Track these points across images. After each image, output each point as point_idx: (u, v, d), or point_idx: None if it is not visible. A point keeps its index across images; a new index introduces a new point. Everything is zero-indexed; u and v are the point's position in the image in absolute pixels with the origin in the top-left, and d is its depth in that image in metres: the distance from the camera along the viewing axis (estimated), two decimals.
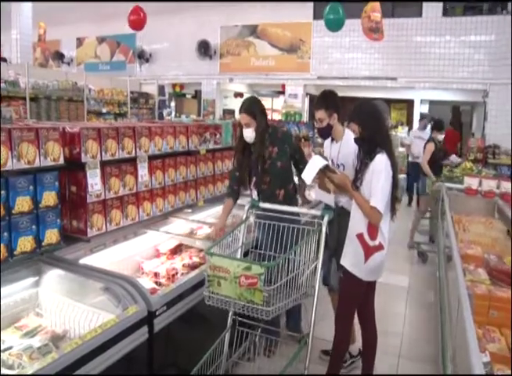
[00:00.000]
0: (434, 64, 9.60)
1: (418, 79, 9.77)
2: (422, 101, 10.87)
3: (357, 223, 2.52)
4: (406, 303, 4.42)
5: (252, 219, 2.68)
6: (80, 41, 14.29)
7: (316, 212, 2.45)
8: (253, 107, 3.02)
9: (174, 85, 13.47)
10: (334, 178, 2.59)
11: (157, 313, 2.18)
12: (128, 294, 2.11)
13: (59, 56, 14.23)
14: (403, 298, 4.55)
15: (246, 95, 14.12)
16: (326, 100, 2.93)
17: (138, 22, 7.97)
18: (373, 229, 2.47)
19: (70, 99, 8.63)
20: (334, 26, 7.85)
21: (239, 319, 2.41)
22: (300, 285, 2.17)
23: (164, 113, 11.72)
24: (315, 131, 8.92)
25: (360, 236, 2.49)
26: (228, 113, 12.20)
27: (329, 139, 3.05)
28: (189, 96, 15.39)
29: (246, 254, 2.65)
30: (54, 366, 1.66)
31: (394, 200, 2.52)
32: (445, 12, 9.50)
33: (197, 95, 14.24)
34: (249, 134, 3.01)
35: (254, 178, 3.19)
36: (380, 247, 2.49)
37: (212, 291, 1.99)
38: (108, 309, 2.15)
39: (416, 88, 10.18)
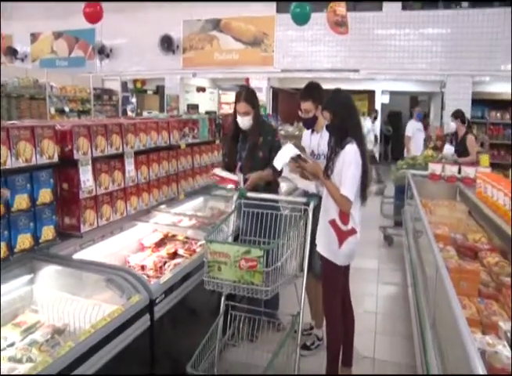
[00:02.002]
0: (394, 56, 9.95)
1: (379, 71, 10.10)
2: (383, 92, 11.23)
3: (329, 210, 2.66)
4: (377, 284, 4.70)
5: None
6: (34, 37, 13.79)
7: (302, 199, 2.64)
8: (251, 97, 3.25)
9: (135, 81, 13.33)
10: (306, 167, 2.74)
11: (157, 301, 2.30)
12: (130, 284, 2.22)
13: (12, 52, 13.75)
14: (374, 279, 4.82)
15: (208, 90, 14.15)
16: (313, 92, 3.06)
17: (94, 15, 7.67)
18: (344, 215, 2.61)
19: (32, 97, 8.47)
20: (301, 20, 8.03)
21: (231, 303, 2.58)
22: (290, 267, 2.35)
23: (128, 109, 11.63)
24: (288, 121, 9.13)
25: (333, 222, 2.64)
26: (192, 108, 12.21)
27: (310, 130, 3.22)
28: (150, 92, 15.24)
29: (235, 240, 2.80)
30: (71, 354, 1.75)
31: (365, 188, 2.65)
32: (404, 7, 9.86)
33: (159, 90, 14.13)
34: (247, 122, 3.23)
35: (239, 164, 3.37)
36: (352, 232, 2.64)
37: (212, 275, 2.13)
38: (109, 300, 2.24)
39: (378, 80, 10.52)
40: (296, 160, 2.71)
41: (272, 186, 3.41)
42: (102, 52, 12.46)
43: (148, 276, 2.83)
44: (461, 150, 6.48)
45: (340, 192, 2.54)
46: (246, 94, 3.25)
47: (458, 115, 6.74)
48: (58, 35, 13.44)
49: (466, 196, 4.49)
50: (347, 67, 10.24)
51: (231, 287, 2.14)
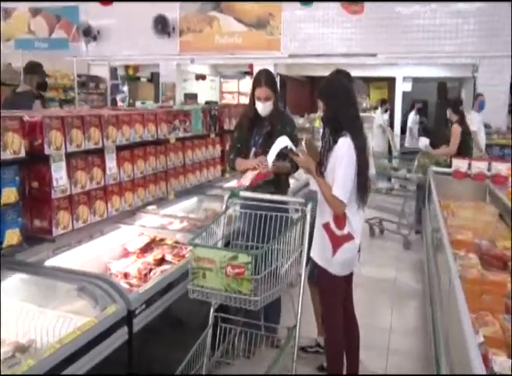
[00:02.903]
0: (417, 37, 9.83)
1: (400, 55, 10.03)
2: (404, 78, 11.15)
3: (323, 212, 2.67)
4: (393, 296, 4.71)
5: (232, 210, 2.86)
6: (7, 13, 13.57)
7: (299, 200, 2.65)
8: (272, 81, 3.44)
9: (126, 67, 13.36)
10: (298, 162, 2.77)
11: (137, 312, 2.33)
12: (106, 293, 2.24)
13: None
14: (389, 290, 4.84)
15: (209, 78, 14.19)
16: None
17: None
18: (339, 218, 2.62)
19: (3, 83, 8.37)
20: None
21: (221, 315, 2.60)
22: (285, 274, 2.36)
23: (118, 98, 11.68)
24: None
25: (326, 226, 2.65)
26: (190, 98, 12.25)
27: None
28: (144, 80, 15.31)
29: (226, 246, 2.81)
30: (30, 374, 1.75)
31: (362, 188, 2.65)
32: None
33: (153, 78, 14.19)
34: (268, 107, 3.39)
35: (253, 149, 3.46)
36: (349, 237, 2.64)
37: (197, 283, 2.15)
38: (81, 311, 2.25)
39: (399, 65, 10.48)
40: (286, 153, 2.72)
41: (282, 186, 3.48)
42: (88, 33, 12.40)
43: (131, 285, 2.87)
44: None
45: (331, 192, 2.55)
46: (267, 78, 3.39)
47: (449, 103, 6.86)
48: (35, 12, 13.31)
49: (497, 196, 4.45)
50: (363, 51, 10.18)
51: (218, 296, 2.16)
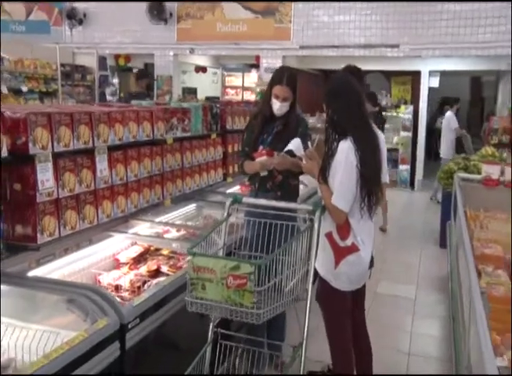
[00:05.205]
0: (447, 25, 9.85)
1: (426, 45, 10.07)
2: (431, 72, 11.20)
3: (326, 220, 2.79)
4: (413, 317, 4.81)
5: (234, 218, 2.98)
6: None
7: (307, 207, 2.78)
8: (294, 80, 3.57)
9: (117, 57, 13.45)
10: (302, 167, 2.94)
11: (130, 326, 2.43)
12: (97, 305, 2.34)
13: None
14: (409, 310, 4.94)
15: (210, 70, 14.33)
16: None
17: None
18: (342, 228, 2.75)
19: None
20: None
21: (222, 331, 2.71)
22: (290, 287, 2.48)
23: (107, 92, 11.78)
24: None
25: (329, 235, 2.78)
26: (189, 92, 12.38)
27: None
28: (136, 71, 15.42)
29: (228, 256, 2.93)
30: None
31: (367, 195, 2.75)
32: None
33: (148, 69, 14.30)
34: (285, 108, 3.54)
35: (261, 147, 3.57)
36: (353, 249, 2.76)
37: (196, 295, 2.27)
38: (69, 326, 2.36)
39: (424, 57, 10.51)
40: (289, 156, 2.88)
41: (289, 191, 3.60)
42: (73, 16, 12.40)
43: (122, 299, 2.95)
44: None
45: (331, 200, 2.69)
46: (290, 77, 3.52)
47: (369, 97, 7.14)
48: None
49: None
50: (384, 42, 10.27)
51: (219, 309, 2.27)
